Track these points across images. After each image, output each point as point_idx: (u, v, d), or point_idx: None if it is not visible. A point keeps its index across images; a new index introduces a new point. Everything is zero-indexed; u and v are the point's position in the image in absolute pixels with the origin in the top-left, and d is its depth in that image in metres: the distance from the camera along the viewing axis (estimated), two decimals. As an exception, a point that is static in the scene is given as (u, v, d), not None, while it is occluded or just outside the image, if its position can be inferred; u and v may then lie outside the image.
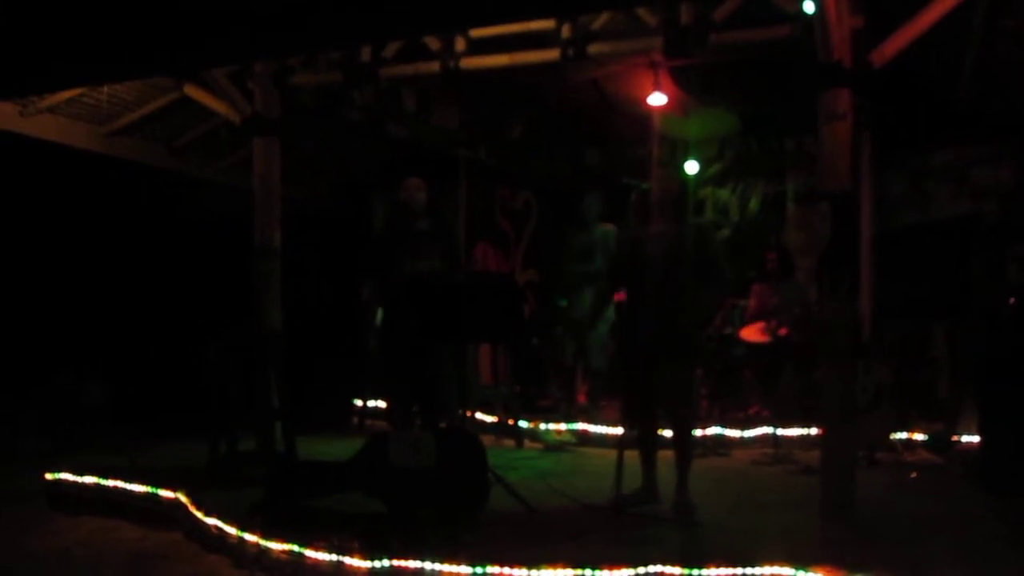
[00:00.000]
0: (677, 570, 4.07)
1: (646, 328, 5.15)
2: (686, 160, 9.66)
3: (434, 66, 6.57)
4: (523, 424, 7.80)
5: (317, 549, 4.41)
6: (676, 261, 5.13)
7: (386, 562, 4.24)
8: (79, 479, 5.92)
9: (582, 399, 8.48)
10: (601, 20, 6.24)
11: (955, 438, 6.86)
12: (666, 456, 5.31)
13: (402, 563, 4.22)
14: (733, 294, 8.21)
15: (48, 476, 6.04)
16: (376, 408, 8.54)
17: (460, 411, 6.18)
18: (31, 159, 7.68)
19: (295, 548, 4.48)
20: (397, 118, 8.63)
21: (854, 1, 5.12)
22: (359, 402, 8.56)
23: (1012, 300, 5.67)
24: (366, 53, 6.72)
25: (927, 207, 8.68)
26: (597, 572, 4.04)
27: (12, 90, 6.36)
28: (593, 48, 6.19)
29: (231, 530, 4.81)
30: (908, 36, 5.10)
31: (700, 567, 4.06)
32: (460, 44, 6.47)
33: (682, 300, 5.09)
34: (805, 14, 5.21)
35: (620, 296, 5.50)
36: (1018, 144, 7.92)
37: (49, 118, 7.50)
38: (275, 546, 4.55)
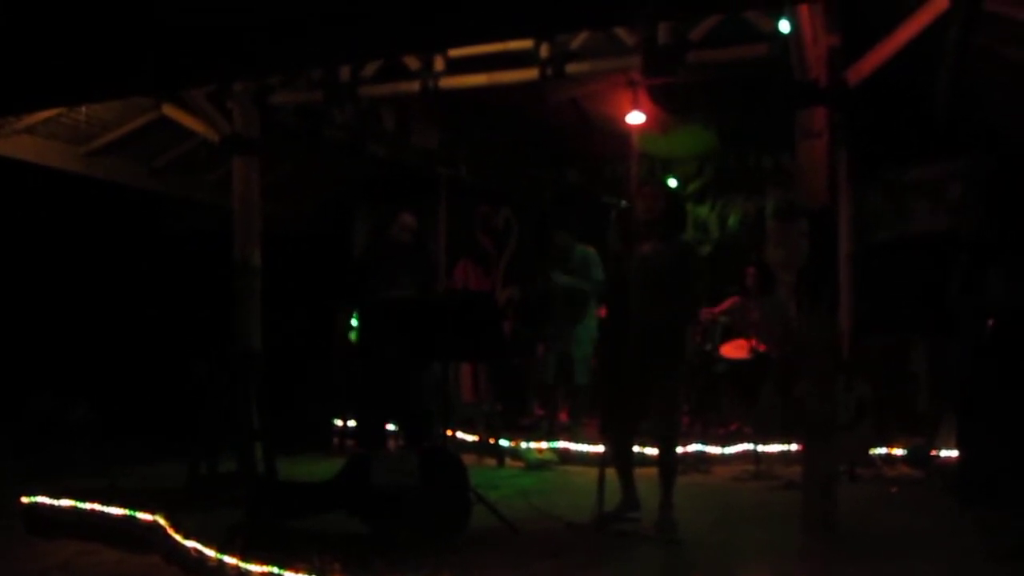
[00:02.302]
0: (659, 588, 4.08)
1: (630, 344, 5.16)
2: (666, 178, 9.71)
3: (414, 85, 6.60)
4: (505, 443, 7.78)
5: (297, 571, 4.38)
6: (658, 278, 5.14)
7: (367, 582, 4.23)
8: (56, 502, 5.86)
9: (564, 417, 8.48)
10: (579, 39, 6.27)
11: (934, 452, 6.88)
12: (649, 474, 5.31)
13: (383, 583, 4.21)
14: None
15: (24, 500, 5.97)
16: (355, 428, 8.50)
17: (441, 430, 6.17)
18: (8, 179, 7.64)
19: (275, 570, 4.44)
20: (377, 137, 8.64)
21: (830, 20, 5.16)
22: (339, 422, 8.53)
23: (991, 322, 5.70)
24: (346, 72, 6.73)
25: (905, 223, 8.76)
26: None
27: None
28: (571, 67, 6.22)
29: (210, 552, 4.77)
30: (884, 54, 5.15)
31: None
32: (439, 63, 6.49)
33: (664, 316, 5.10)
34: (781, 33, 5.26)
35: (601, 312, 5.51)
36: (985, 160, 8.00)
37: (27, 138, 7.45)
38: (255, 568, 4.51)
